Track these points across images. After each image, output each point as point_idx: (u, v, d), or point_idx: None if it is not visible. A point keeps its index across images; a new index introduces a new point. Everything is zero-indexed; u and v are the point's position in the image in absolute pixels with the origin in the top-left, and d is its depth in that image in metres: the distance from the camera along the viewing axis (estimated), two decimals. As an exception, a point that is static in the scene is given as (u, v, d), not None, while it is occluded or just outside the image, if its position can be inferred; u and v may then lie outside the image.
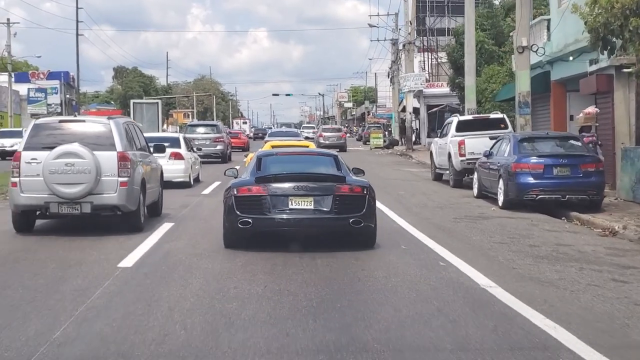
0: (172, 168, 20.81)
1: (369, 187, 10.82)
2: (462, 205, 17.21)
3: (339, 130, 50.50)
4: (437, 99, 47.17)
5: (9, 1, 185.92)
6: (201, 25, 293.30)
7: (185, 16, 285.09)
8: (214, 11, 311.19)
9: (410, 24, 45.41)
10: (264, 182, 10.54)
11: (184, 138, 24.25)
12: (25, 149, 12.09)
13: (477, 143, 20.88)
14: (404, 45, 46.20)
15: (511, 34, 27.43)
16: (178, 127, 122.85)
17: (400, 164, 34.99)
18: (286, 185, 10.47)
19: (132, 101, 45.01)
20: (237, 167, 13.91)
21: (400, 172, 28.55)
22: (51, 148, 11.79)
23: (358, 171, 12.14)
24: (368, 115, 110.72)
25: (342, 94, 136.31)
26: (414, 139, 61.48)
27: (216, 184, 22.74)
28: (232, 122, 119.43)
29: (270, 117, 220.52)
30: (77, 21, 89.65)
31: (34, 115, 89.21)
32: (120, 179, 11.95)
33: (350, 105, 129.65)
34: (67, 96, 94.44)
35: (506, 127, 21.78)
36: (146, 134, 17.11)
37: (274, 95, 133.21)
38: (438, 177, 23.85)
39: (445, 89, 47.33)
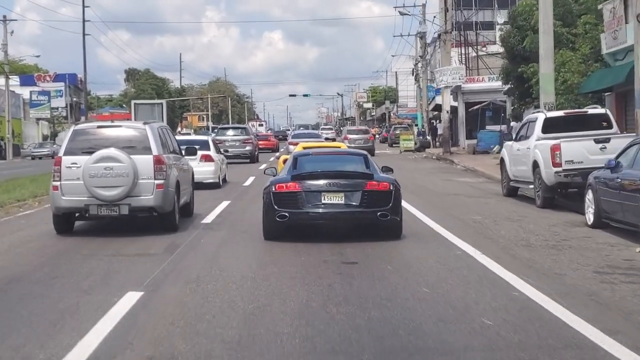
0: (202, 170, 20.97)
1: (395, 183, 11.50)
2: (583, 241, 11.46)
3: (366, 131, 44.79)
4: (478, 95, 41.38)
5: (25, 6, 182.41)
6: (216, 29, 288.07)
7: (200, 19, 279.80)
8: (228, 14, 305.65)
9: (447, 10, 39.69)
10: (299, 179, 11.26)
11: (213, 140, 24.50)
12: (66, 153, 12.21)
13: (578, 148, 15.18)
14: (439, 36, 40.48)
15: (600, 4, 21.74)
16: (192, 131, 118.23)
17: (445, 171, 29.23)
18: (319, 182, 11.20)
19: (132, 102, 39.64)
20: (275, 166, 14.20)
21: (454, 184, 22.80)
22: (90, 153, 11.96)
23: (387, 169, 12.71)
24: (390, 116, 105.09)
25: (361, 94, 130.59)
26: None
27: (224, 204, 17.33)
28: (248, 125, 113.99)
29: (287, 119, 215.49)
30: (84, 20, 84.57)
31: (39, 120, 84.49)
32: (157, 182, 12.09)
33: (369, 105, 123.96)
34: (75, 99, 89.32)
35: (610, 126, 16.15)
36: (177, 137, 18.25)
37: (290, 96, 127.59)
38: (512, 192, 18.11)
39: (487, 84, 41.59)
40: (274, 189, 11.27)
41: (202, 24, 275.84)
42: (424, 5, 60.42)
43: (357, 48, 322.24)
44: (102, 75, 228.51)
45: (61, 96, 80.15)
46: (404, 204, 12.55)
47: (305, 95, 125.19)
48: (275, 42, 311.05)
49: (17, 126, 69.11)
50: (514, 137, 18.30)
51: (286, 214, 11.07)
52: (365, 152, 13.24)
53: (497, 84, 40.50)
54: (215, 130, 49.90)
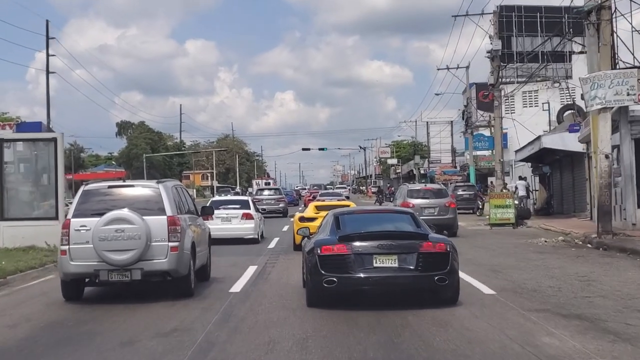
0: (243, 227, 22.19)
1: (452, 244, 10.11)
2: None
3: (439, 193, 24.42)
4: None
5: (41, 66, 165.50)
6: (228, 90, 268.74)
7: (213, 81, 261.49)
8: (241, 75, 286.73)
9: (607, -38, 19.97)
10: (347, 240, 9.89)
11: (252, 200, 25.43)
12: (75, 215, 11.18)
13: None
14: (588, 13, 20.61)
15: None
16: (195, 190, 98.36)
17: None
18: (369, 243, 9.83)
19: (-1, 137, 20.62)
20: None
21: None
22: (100, 214, 10.93)
23: (431, 227, 11.12)
24: (419, 173, 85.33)
25: (384, 149, 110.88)
26: (529, 206, 35.72)
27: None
28: (253, 183, 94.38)
29: (300, 178, 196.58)
30: (48, 55, 65.77)
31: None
32: (171, 244, 10.99)
33: (394, 161, 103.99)
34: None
35: None
36: (217, 198, 27.32)
37: (303, 149, 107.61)
38: None
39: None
40: (319, 252, 9.77)
41: (215, 86, 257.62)
42: (495, 13, 41.32)
43: (370, 108, 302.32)
44: (112, 134, 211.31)
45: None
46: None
47: (321, 149, 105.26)
48: (287, 103, 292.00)
49: None
50: None
51: (334, 279, 9.62)
52: (411, 210, 12.62)
53: None
54: (250, 191, 64.48)
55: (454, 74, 55.69)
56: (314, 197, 47.16)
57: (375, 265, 9.64)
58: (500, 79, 40.04)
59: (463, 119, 56.49)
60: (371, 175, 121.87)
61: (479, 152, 60.64)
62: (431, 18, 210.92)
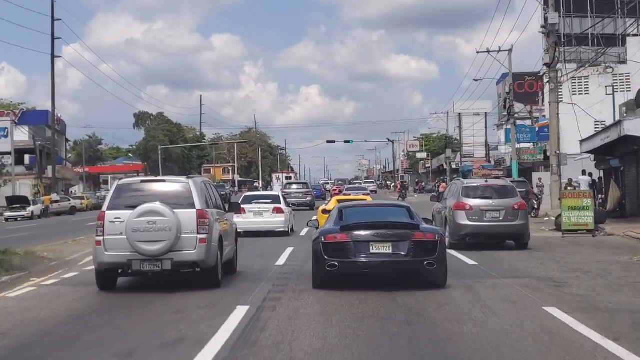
0: (274, 220, 23.10)
1: (441, 234, 11.18)
2: None
3: (505, 190, 18.39)
4: None
5: (67, 61, 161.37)
6: (254, 84, 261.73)
7: (238, 75, 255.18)
8: (266, 70, 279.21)
9: None
10: (348, 230, 10.87)
11: (283, 195, 26.94)
12: (109, 208, 11.51)
13: None
14: None
15: None
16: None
17: None
18: (367, 232, 10.80)
19: None
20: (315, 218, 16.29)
21: None
22: (133, 207, 11.26)
23: (427, 220, 12.53)
24: (450, 168, 79.30)
25: (412, 142, 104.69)
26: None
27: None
28: (273, 177, 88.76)
29: (324, 172, 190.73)
30: (53, 38, 60.60)
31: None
32: (200, 236, 11.29)
33: (423, 155, 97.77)
34: (39, 142, 64.44)
35: None
36: (252, 192, 28.80)
37: (328, 142, 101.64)
38: None
39: None
40: (323, 240, 10.87)
41: (240, 80, 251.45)
42: (552, -20, 35.01)
43: (396, 102, 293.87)
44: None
45: (5, 136, 54.95)
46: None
47: (346, 142, 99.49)
48: (313, 97, 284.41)
49: None
50: None
51: (336, 264, 10.69)
52: (407, 204, 12.81)
53: None
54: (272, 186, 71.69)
55: (495, 57, 49.56)
56: (340, 192, 49.05)
57: (372, 251, 10.64)
58: (556, 58, 33.99)
59: (505, 107, 50.42)
60: (398, 170, 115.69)
61: (520, 145, 54.51)
62: (457, 12, 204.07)
